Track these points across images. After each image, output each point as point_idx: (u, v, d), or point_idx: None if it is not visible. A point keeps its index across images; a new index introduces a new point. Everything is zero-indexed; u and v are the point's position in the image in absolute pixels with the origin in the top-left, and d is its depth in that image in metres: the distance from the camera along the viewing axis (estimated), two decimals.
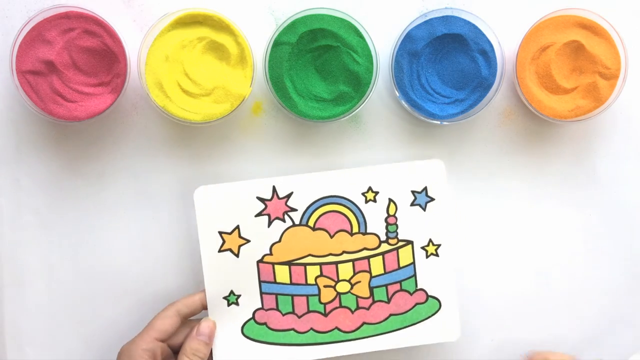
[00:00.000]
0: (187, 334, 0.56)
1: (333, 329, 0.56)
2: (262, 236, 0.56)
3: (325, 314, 0.56)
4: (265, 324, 0.56)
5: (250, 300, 0.56)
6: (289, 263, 0.56)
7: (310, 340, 0.56)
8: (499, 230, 0.62)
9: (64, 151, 0.60)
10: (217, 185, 0.56)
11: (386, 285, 0.57)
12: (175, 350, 0.56)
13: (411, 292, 0.57)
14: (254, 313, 0.56)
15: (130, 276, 0.61)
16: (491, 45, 0.58)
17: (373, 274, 0.57)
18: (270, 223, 0.56)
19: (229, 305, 0.56)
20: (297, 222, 0.56)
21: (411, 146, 0.61)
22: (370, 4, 0.60)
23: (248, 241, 0.55)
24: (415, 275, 0.57)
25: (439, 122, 0.59)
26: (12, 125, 0.60)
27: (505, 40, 0.59)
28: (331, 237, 0.56)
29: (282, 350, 0.56)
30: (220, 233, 0.55)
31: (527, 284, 0.63)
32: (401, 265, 0.57)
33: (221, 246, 0.55)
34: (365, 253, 0.56)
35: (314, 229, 0.56)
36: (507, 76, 0.60)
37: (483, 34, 0.58)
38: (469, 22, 0.58)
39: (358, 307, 0.57)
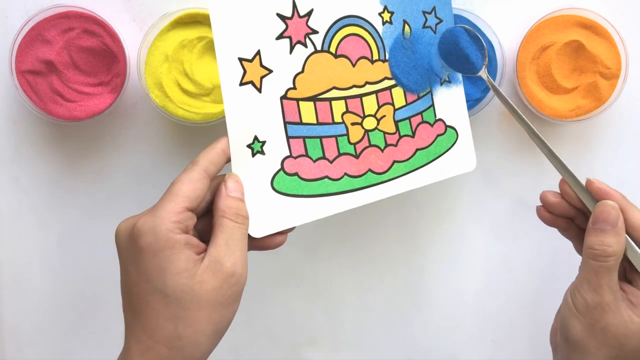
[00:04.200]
0: (216, 195, 0.46)
1: (366, 172, 0.53)
2: (284, 65, 0.50)
3: (357, 156, 0.52)
4: (296, 174, 0.50)
5: (277, 147, 0.50)
6: (314, 98, 0.51)
7: (346, 187, 0.52)
8: (499, 231, 0.62)
9: (64, 151, 0.60)
10: None
11: (409, 118, 0.55)
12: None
13: (432, 123, 0.56)
14: (282, 162, 0.50)
15: None
16: (491, 45, 0.58)
17: (396, 106, 0.54)
18: (292, 48, 0.50)
19: (253, 155, 0.49)
20: (319, 47, 0.52)
21: None
22: None
23: (270, 71, 0.50)
24: (433, 105, 0.56)
25: None
26: (12, 125, 0.60)
27: (505, 40, 0.59)
28: (353, 65, 0.53)
29: (319, 203, 0.51)
30: (241, 60, 0.49)
31: (527, 283, 0.63)
32: (420, 95, 0.55)
33: (242, 77, 0.49)
34: (386, 83, 0.54)
35: (335, 55, 0.52)
36: (507, 76, 0.60)
37: (483, 34, 0.58)
38: (469, 22, 0.58)
39: (387, 145, 0.54)
